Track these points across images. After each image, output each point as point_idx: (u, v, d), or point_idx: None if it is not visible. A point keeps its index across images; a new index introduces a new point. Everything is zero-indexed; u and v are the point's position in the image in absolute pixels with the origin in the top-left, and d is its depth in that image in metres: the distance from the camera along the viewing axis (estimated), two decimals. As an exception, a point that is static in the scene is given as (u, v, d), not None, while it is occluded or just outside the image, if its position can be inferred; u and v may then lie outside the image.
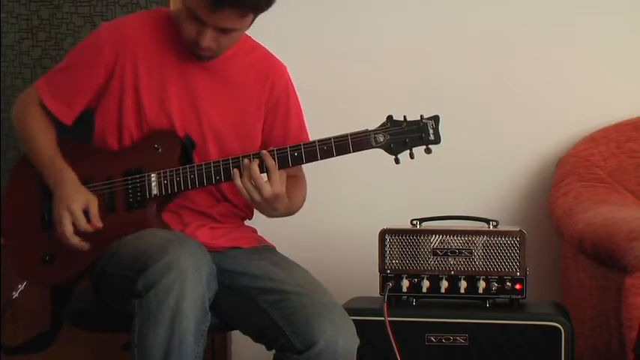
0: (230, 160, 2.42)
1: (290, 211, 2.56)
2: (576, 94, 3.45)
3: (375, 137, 2.40)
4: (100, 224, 2.40)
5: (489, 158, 3.47)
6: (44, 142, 2.50)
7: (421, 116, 2.42)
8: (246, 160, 2.39)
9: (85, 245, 2.40)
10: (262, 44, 2.64)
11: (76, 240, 2.39)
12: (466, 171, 3.45)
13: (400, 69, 3.49)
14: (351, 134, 2.40)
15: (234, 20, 2.36)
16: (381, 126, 2.41)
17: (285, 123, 2.62)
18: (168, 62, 2.51)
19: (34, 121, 2.51)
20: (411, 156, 2.41)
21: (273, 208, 2.41)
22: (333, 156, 2.41)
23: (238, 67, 2.56)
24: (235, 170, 2.39)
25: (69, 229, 2.39)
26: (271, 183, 2.37)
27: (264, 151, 2.40)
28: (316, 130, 2.66)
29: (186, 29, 2.40)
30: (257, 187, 2.37)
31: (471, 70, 3.47)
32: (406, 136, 2.40)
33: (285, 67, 2.65)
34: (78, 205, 2.39)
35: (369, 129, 2.40)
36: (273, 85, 2.60)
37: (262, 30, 2.53)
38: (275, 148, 2.41)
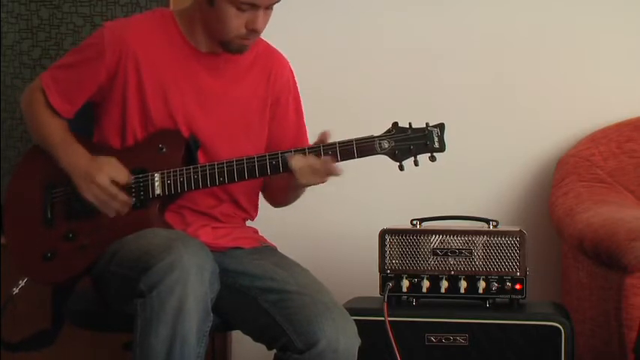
0: (234, 162, 2.42)
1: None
2: (576, 94, 3.45)
3: (380, 143, 2.40)
4: (130, 179, 2.43)
5: (489, 158, 3.47)
6: (54, 126, 2.51)
7: (427, 124, 2.41)
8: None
9: (128, 199, 2.43)
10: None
11: (122, 196, 2.42)
12: (466, 171, 3.45)
13: (400, 69, 3.49)
14: (356, 140, 2.39)
15: None
16: (386, 132, 2.40)
17: (283, 119, 2.62)
18: (171, 62, 2.51)
19: (44, 108, 2.52)
20: (416, 163, 2.40)
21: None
22: (337, 161, 2.39)
23: (241, 63, 2.56)
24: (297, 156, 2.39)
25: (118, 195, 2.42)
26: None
27: (287, 155, 2.40)
28: (315, 130, 2.66)
29: (233, 24, 2.40)
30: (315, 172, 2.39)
31: (471, 70, 3.47)
32: (411, 143, 2.39)
33: (287, 61, 2.65)
34: (103, 177, 2.41)
35: (374, 135, 2.40)
36: (275, 79, 2.60)
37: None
38: (279, 152, 2.41)
